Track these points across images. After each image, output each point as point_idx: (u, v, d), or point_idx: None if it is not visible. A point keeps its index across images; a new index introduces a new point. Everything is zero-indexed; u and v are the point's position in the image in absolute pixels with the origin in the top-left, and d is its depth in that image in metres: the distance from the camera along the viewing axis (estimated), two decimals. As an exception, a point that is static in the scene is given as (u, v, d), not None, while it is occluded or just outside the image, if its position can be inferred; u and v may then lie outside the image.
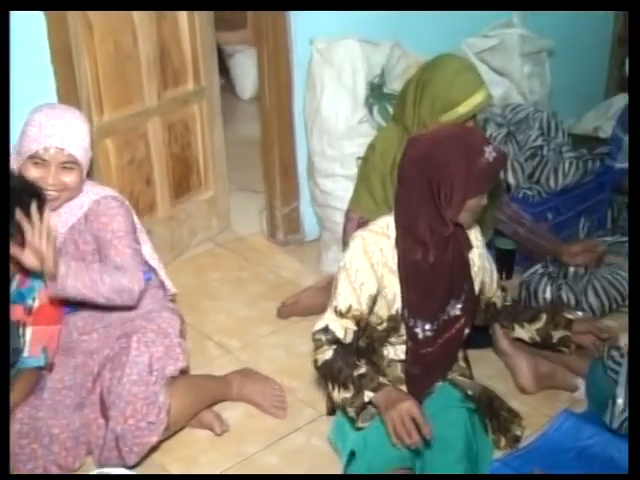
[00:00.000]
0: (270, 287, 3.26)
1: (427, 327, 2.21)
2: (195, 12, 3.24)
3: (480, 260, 2.32)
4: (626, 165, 3.28)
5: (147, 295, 2.43)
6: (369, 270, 2.13)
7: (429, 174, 2.06)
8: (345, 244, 2.53)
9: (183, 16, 3.21)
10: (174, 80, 3.25)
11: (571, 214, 3.24)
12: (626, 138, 3.24)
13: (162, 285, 2.54)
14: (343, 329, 2.12)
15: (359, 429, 2.11)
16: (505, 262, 3.20)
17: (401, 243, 2.14)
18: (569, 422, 2.38)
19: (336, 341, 2.11)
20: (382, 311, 2.19)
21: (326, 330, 2.12)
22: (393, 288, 2.17)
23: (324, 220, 3.32)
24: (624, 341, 2.69)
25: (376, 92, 3.15)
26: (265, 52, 3.24)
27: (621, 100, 4.32)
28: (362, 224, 2.61)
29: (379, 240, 2.16)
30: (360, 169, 2.80)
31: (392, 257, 2.15)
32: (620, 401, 2.25)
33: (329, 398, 2.21)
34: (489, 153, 2.03)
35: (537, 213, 3.15)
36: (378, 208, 2.58)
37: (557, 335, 2.42)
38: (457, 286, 2.24)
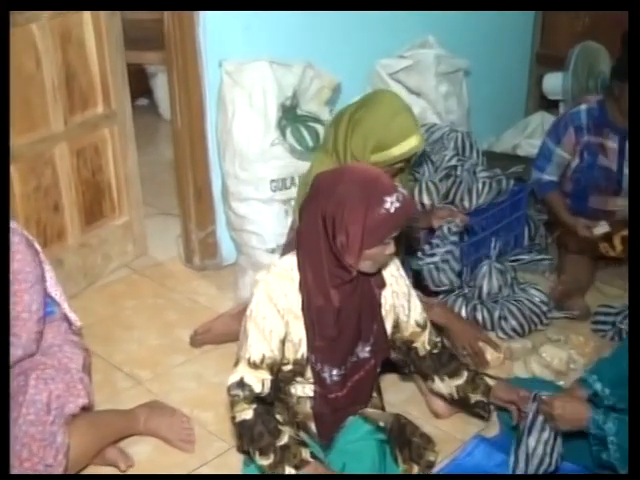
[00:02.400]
0: (185, 314, 3.18)
1: (334, 372, 2.13)
2: (104, 35, 3.17)
3: (393, 298, 2.21)
4: (555, 178, 3.28)
5: (48, 329, 2.35)
6: (276, 315, 2.04)
7: (324, 215, 1.95)
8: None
9: (90, 39, 3.13)
10: (82, 104, 3.16)
11: (487, 233, 3.22)
12: (558, 150, 3.23)
13: (66, 317, 2.45)
14: (260, 381, 2.03)
15: None
16: (421, 283, 3.18)
17: (304, 287, 2.04)
18: (480, 447, 2.37)
19: (255, 398, 2.03)
20: (288, 353, 2.11)
21: (242, 384, 2.02)
22: (299, 333, 2.08)
23: (240, 245, 3.26)
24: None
25: (289, 114, 3.10)
26: (175, 74, 3.18)
27: (538, 118, 4.38)
28: None
29: (283, 284, 2.06)
30: (299, 191, 2.71)
31: (297, 302, 2.06)
32: (521, 465, 2.14)
33: (239, 436, 2.14)
34: (391, 203, 1.90)
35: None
36: None
37: (475, 398, 2.31)
38: (366, 328, 2.14)
